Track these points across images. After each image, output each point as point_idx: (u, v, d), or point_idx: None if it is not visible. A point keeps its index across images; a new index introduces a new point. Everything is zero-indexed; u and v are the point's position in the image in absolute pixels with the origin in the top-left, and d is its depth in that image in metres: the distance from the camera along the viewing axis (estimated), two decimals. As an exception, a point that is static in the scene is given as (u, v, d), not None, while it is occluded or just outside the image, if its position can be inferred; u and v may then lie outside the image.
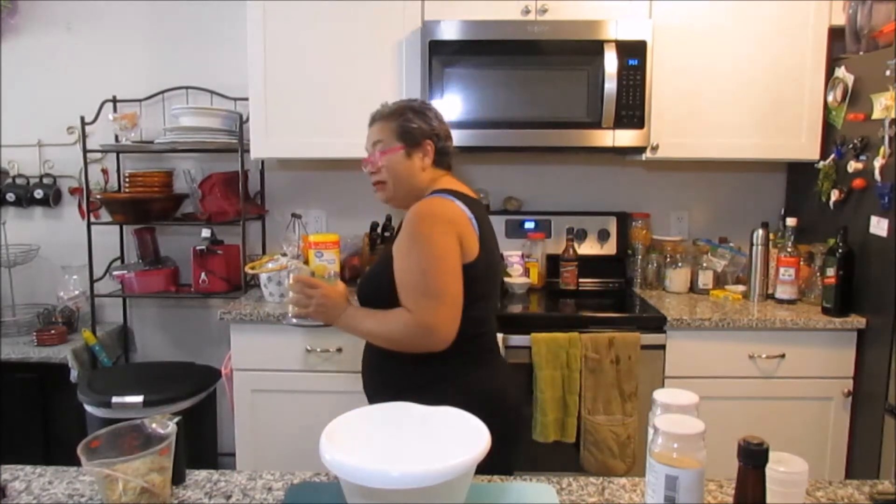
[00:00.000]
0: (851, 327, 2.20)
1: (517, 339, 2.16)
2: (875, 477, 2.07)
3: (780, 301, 2.39)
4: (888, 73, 2.05)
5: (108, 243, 2.84)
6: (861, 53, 2.30)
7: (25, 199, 2.82)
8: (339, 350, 2.25)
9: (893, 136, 2.03)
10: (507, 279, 2.56)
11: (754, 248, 2.46)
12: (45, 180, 2.85)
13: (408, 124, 1.55)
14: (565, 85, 2.34)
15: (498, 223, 2.72)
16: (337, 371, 2.26)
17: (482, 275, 1.48)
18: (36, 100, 2.85)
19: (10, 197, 2.81)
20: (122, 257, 2.89)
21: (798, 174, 2.68)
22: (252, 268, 2.48)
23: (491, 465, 0.98)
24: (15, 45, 2.83)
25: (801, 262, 2.41)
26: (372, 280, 1.59)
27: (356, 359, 1.64)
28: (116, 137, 2.69)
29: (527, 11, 2.37)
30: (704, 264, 2.61)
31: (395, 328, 1.43)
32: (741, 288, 2.52)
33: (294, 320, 1.60)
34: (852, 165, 2.21)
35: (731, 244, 2.68)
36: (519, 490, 1.05)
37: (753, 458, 0.77)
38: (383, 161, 1.55)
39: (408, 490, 0.80)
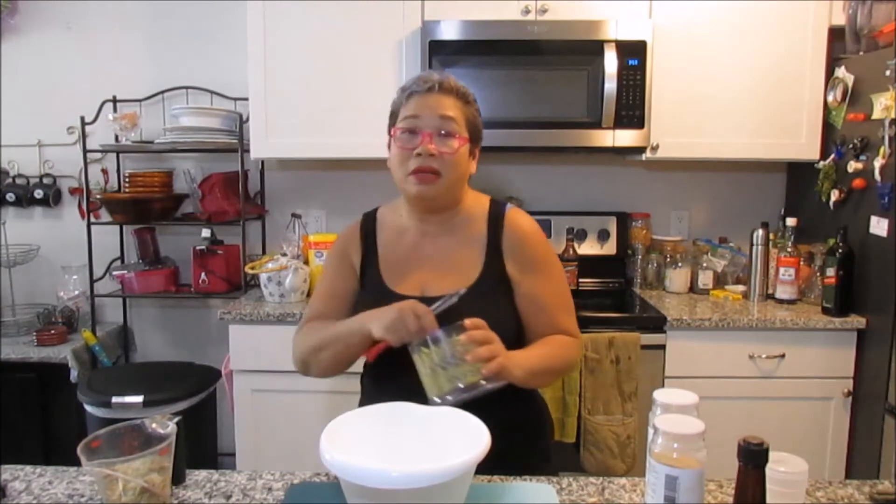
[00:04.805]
0: (851, 327, 2.20)
1: (517, 339, 2.16)
2: (875, 477, 2.07)
3: (780, 301, 2.39)
4: (888, 73, 2.05)
5: (108, 243, 2.84)
6: (861, 53, 2.30)
7: (25, 199, 2.82)
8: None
9: (893, 136, 2.03)
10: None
11: (754, 248, 2.46)
12: (45, 180, 2.85)
13: (477, 117, 1.33)
14: (565, 85, 2.34)
15: (498, 223, 2.72)
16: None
17: None
18: (36, 100, 2.85)
19: (10, 197, 2.81)
20: (122, 257, 2.88)
21: (798, 174, 2.68)
22: (252, 268, 2.50)
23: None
24: (15, 45, 2.83)
25: (801, 262, 2.41)
26: (493, 315, 1.19)
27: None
28: (116, 137, 2.69)
29: (527, 11, 2.36)
30: (704, 264, 2.61)
31: (572, 356, 1.31)
32: (741, 288, 2.52)
33: (467, 394, 1.09)
34: (852, 165, 2.21)
35: (731, 244, 2.68)
36: (519, 490, 1.05)
37: (753, 458, 0.77)
38: (453, 149, 1.26)
39: (408, 490, 0.80)
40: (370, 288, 1.34)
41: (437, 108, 1.26)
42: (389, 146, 1.33)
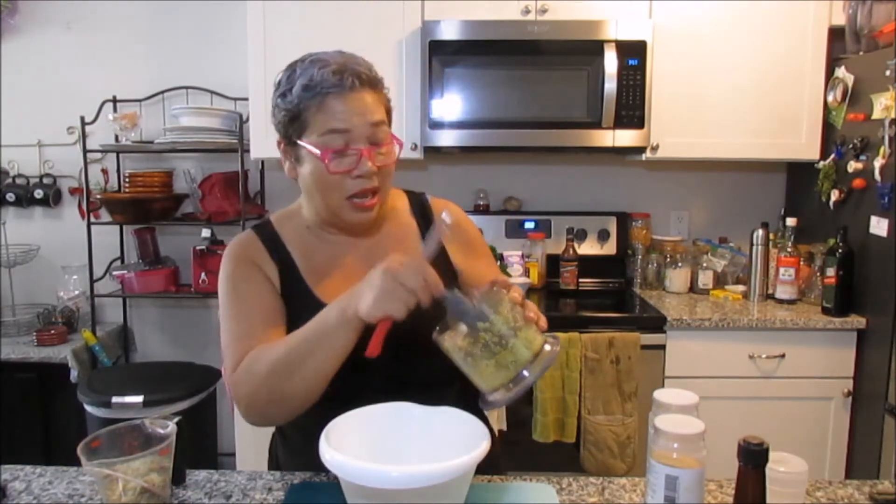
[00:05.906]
0: (851, 327, 2.20)
1: (517, 339, 2.16)
2: (875, 477, 2.07)
3: (780, 301, 2.39)
4: (888, 73, 2.05)
5: (108, 243, 2.84)
6: (861, 53, 2.30)
7: (25, 199, 2.81)
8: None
9: (893, 136, 2.03)
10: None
11: (754, 248, 2.46)
12: (45, 180, 2.85)
13: (390, 101, 1.13)
14: (565, 85, 2.34)
15: (498, 223, 2.72)
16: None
17: None
18: (36, 100, 2.85)
19: (10, 197, 2.81)
20: (122, 257, 2.88)
21: (798, 174, 2.68)
22: (252, 268, 2.49)
23: None
24: (15, 45, 2.83)
25: (801, 262, 2.41)
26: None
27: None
28: (116, 137, 2.69)
29: (527, 11, 2.36)
30: (704, 264, 2.61)
31: None
32: (741, 288, 2.52)
33: (544, 368, 0.90)
34: (852, 165, 2.21)
35: (731, 244, 2.68)
36: (519, 490, 1.05)
37: (753, 458, 0.77)
38: (392, 159, 1.09)
39: (408, 490, 0.80)
40: (303, 307, 1.09)
41: (366, 113, 1.04)
42: (292, 157, 1.10)
